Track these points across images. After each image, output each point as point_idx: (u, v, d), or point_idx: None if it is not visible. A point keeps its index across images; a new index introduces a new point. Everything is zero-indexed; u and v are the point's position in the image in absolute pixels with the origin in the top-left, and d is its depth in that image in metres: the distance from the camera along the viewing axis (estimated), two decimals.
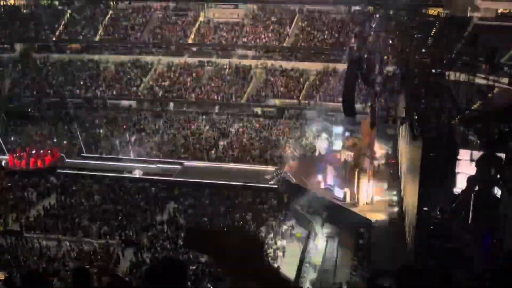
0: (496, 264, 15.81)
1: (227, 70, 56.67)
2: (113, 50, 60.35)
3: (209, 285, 26.87)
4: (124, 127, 50.79)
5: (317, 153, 44.06)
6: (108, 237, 33.69)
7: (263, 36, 57.26)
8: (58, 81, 57.24)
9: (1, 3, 64.90)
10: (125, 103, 56.11)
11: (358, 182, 33.70)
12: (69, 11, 62.91)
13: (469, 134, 20.41)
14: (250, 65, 56.89)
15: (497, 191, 18.22)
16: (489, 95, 28.02)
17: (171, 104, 55.67)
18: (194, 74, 56.71)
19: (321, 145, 44.45)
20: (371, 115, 36.49)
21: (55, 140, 48.36)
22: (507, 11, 44.65)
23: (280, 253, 31.33)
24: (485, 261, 17.32)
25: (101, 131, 49.96)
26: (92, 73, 58.44)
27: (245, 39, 57.69)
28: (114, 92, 56.36)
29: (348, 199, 34.17)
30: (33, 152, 44.84)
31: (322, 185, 36.67)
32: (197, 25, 59.81)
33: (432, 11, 48.44)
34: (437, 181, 20.07)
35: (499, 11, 44.81)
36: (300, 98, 52.59)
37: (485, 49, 22.10)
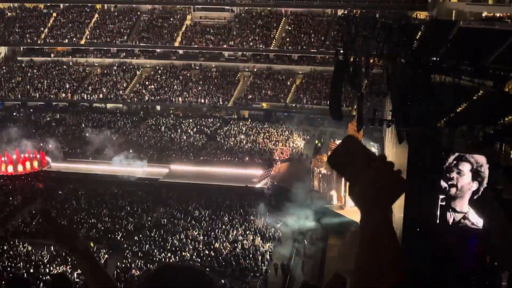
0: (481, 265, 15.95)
1: (214, 73, 56.66)
2: (99, 53, 60.03)
3: None
4: (110, 130, 50.47)
5: (304, 156, 44.12)
6: (94, 242, 33.36)
7: (250, 39, 57.31)
8: (43, 85, 56.84)
9: None
10: (111, 106, 55.88)
11: (345, 185, 33.78)
12: (54, 14, 62.46)
13: (454, 136, 20.54)
14: (237, 68, 56.95)
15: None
16: (474, 97, 28.28)
17: (158, 107, 55.55)
18: (180, 77, 56.60)
19: (308, 148, 44.49)
20: (357, 118, 36.58)
21: (41, 144, 47.88)
22: (491, 14, 45.22)
23: (267, 256, 31.30)
24: (470, 262, 17.45)
25: (87, 134, 49.56)
26: (78, 76, 58.10)
27: (231, 42, 57.68)
28: (100, 96, 56.09)
29: (335, 201, 34.26)
30: (18, 156, 44.30)
31: (310, 188, 36.72)
32: (183, 28, 59.70)
33: (417, 15, 48.80)
34: (423, 183, 20.18)
35: (483, 15, 45.41)
36: (287, 101, 52.71)
37: (469, 52, 22.29)
